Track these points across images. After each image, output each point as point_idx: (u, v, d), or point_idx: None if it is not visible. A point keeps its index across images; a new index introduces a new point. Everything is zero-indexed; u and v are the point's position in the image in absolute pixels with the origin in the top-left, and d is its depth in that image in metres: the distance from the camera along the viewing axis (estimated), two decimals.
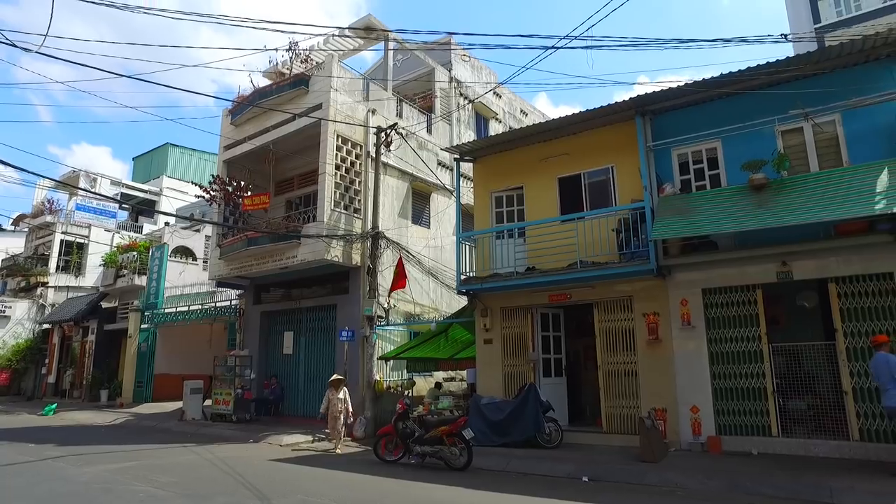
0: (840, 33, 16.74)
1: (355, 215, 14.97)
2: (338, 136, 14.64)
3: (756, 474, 7.81)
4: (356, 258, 14.62)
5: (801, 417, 9.38)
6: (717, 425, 9.63)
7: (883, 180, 8.02)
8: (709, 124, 10.03)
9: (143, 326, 21.91)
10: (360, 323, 13.86)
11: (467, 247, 12.45)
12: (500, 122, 20.53)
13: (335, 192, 14.45)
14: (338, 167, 14.62)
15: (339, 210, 14.46)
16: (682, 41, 8.07)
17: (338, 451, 11.05)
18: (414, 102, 18.05)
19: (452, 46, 18.40)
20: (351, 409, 11.44)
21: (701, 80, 9.66)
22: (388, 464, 9.65)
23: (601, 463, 8.95)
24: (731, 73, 9.43)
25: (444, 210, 17.36)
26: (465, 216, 14.14)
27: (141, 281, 22.80)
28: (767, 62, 9.19)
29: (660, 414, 10.01)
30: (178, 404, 17.31)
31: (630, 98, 10.32)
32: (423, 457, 9.40)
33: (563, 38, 8.27)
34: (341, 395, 11.30)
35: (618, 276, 10.33)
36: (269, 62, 17.77)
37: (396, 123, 15.13)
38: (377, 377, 13.59)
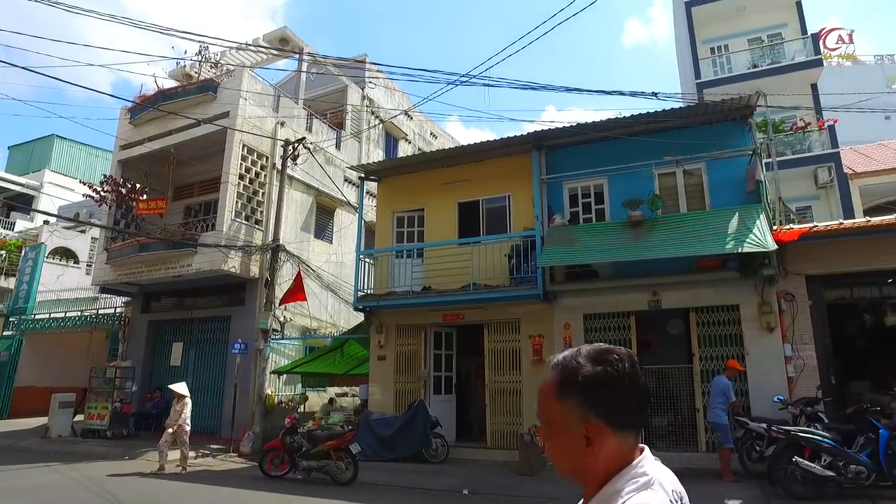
0: (718, 90, 18.83)
1: (256, 226, 14.74)
2: (244, 146, 14.43)
3: None
4: (254, 270, 14.37)
5: (663, 433, 10.34)
6: None
7: (734, 224, 9.17)
8: (597, 162, 10.95)
9: (5, 333, 19.94)
10: (255, 336, 13.60)
11: (367, 264, 12.65)
12: (410, 142, 21.01)
13: (237, 201, 14.19)
14: (241, 177, 14.38)
15: (239, 220, 14.19)
16: (569, 89, 8.90)
17: (159, 468, 10.11)
18: (325, 118, 18.11)
19: (367, 65, 18.72)
20: (185, 427, 10.25)
21: (590, 122, 10.58)
22: (274, 479, 9.55)
23: (482, 476, 9.39)
24: (616, 118, 10.43)
25: (347, 226, 17.45)
26: (369, 233, 14.35)
27: (9, 283, 20.86)
28: (648, 112, 10.28)
29: (539, 431, 10.62)
30: (43, 420, 15.77)
31: (527, 133, 11.07)
32: (310, 471, 9.39)
33: (463, 77, 8.85)
34: (178, 408, 10.35)
35: (508, 300, 10.93)
36: (177, 64, 17.23)
37: (304, 138, 15.14)
38: (269, 391, 13.35)
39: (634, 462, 1.16)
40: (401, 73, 16.72)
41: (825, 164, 17.49)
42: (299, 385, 15.17)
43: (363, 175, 13.00)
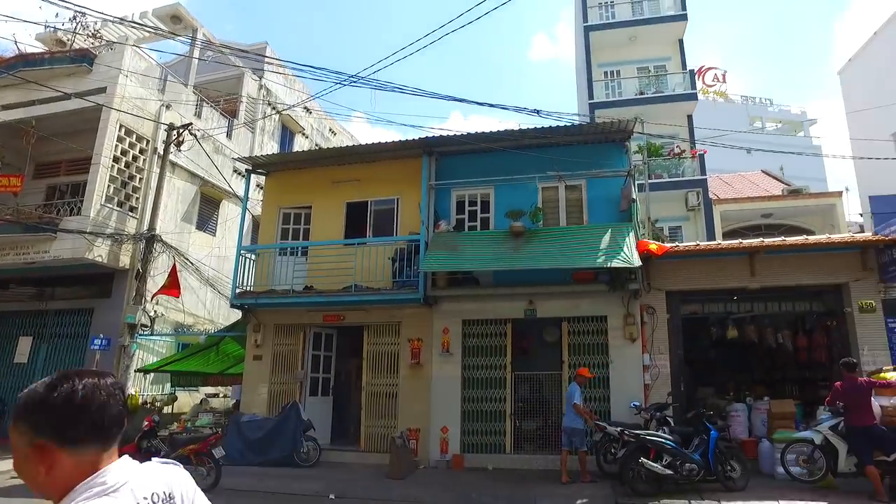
0: (608, 112, 19.98)
1: (130, 214, 13.71)
2: (121, 127, 13.38)
3: (483, 487, 8.76)
4: (125, 260, 13.35)
5: (532, 436, 10.76)
6: (462, 444, 10.58)
7: (606, 240, 9.75)
8: (485, 172, 11.24)
9: None
10: (120, 330, 12.63)
11: (249, 260, 12.15)
12: (307, 137, 20.49)
13: (109, 185, 13.12)
14: (117, 160, 13.33)
15: (111, 206, 13.13)
16: (454, 99, 9.21)
17: None
18: (217, 105, 17.23)
19: (267, 55, 18.06)
20: None
21: (480, 132, 10.84)
22: None
23: (352, 480, 9.29)
24: (504, 130, 10.76)
25: (233, 219, 16.65)
26: (257, 228, 13.79)
27: None
28: (535, 128, 10.70)
29: (413, 434, 10.67)
30: None
31: (419, 138, 11.14)
32: None
33: (350, 77, 8.77)
34: None
35: (389, 303, 10.93)
36: (46, 28, 15.66)
37: (191, 123, 14.31)
38: (132, 391, 12.45)
39: (96, 473, 1.25)
40: (291, 67, 16.09)
41: (695, 189, 19.02)
42: (168, 385, 14.26)
43: (250, 167, 12.48)
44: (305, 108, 20.00)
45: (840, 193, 19.31)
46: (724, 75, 45.11)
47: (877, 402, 8.01)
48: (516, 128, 10.94)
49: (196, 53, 16.32)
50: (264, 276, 12.00)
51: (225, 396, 13.89)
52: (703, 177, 19.20)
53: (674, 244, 10.91)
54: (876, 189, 17.37)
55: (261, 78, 18.24)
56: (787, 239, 10.38)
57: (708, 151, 20.26)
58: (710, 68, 44.44)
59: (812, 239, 10.42)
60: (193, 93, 16.09)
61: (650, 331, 10.31)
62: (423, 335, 11.01)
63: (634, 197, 10.18)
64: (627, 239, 9.55)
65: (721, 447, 8.24)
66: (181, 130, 13.97)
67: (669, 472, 7.91)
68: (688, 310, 10.93)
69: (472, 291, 10.80)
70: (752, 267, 10.28)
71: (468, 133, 10.85)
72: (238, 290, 11.64)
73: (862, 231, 13.62)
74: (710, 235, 18.13)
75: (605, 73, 22.09)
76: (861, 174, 19.29)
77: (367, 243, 11.44)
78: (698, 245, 10.59)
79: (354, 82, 8.87)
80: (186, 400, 14.39)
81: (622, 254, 9.17)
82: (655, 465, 7.90)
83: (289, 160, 12.28)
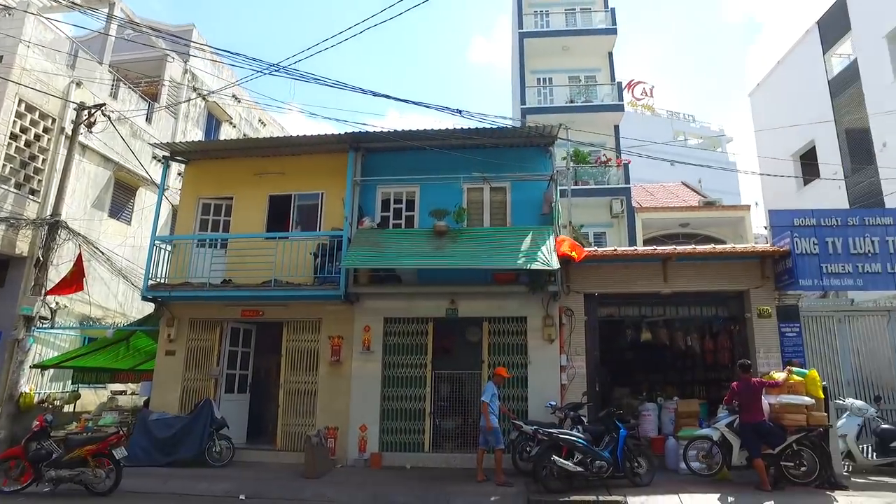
0: (539, 118, 20.32)
1: (31, 197, 12.77)
2: (21, 101, 12.43)
3: (398, 485, 8.71)
4: (22, 247, 12.41)
5: (451, 435, 10.80)
6: (381, 443, 10.50)
7: (527, 242, 9.92)
8: (412, 170, 11.20)
9: None
10: (14, 323, 11.71)
11: (164, 251, 11.57)
12: (235, 126, 19.79)
13: (5, 164, 12.15)
14: (15, 137, 12.37)
15: (7, 187, 12.17)
16: (375, 94, 8.95)
17: None
18: (137, 86, 16.32)
19: (193, 40, 17.28)
20: None
21: (407, 130, 10.78)
22: (7, 495, 8.16)
23: (264, 480, 9.02)
24: (431, 130, 10.74)
25: (151, 207, 15.84)
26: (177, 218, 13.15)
27: None
28: (462, 128, 10.74)
29: (332, 432, 10.51)
30: None
31: (345, 133, 10.94)
32: (58, 482, 8.19)
33: (270, 66, 8.52)
34: None
35: (310, 298, 10.70)
36: None
37: (105, 104, 13.49)
38: (27, 389, 11.58)
39: None
40: (211, 50, 15.39)
41: (619, 197, 19.73)
42: (70, 381, 13.36)
43: (168, 155, 11.87)
44: (234, 96, 19.29)
45: (749, 207, 20.59)
46: (651, 90, 47.30)
47: (766, 401, 8.58)
48: (450, 127, 10.96)
49: (113, 30, 15.39)
50: (181, 268, 11.44)
51: (134, 394, 13.17)
52: (627, 185, 19.97)
53: (593, 249, 11.26)
54: (779, 204, 18.65)
55: (186, 62, 17.44)
56: (696, 247, 10.95)
57: (632, 161, 21.16)
58: (639, 82, 46.49)
59: (718, 248, 11.04)
60: (109, 71, 15.18)
61: (568, 332, 10.58)
62: (344, 332, 10.84)
63: (556, 201, 10.41)
64: (547, 242, 9.76)
65: (630, 445, 8.57)
66: (93, 111, 13.15)
67: (580, 469, 8.14)
68: (605, 312, 11.31)
69: (394, 290, 10.73)
70: (665, 273, 10.76)
71: (395, 130, 10.76)
72: (151, 282, 11.05)
73: (767, 242, 14.63)
74: (632, 241, 18.88)
75: (539, 79, 22.58)
76: (767, 190, 20.62)
77: (290, 238, 11.15)
78: (616, 250, 10.99)
79: (276, 71, 8.60)
80: (91, 398, 13.56)
81: (541, 256, 9.36)
82: (567, 462, 8.10)
83: (210, 149, 11.77)
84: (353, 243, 10.37)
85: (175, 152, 11.90)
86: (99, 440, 8.42)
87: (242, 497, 8.20)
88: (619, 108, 20.91)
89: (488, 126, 10.49)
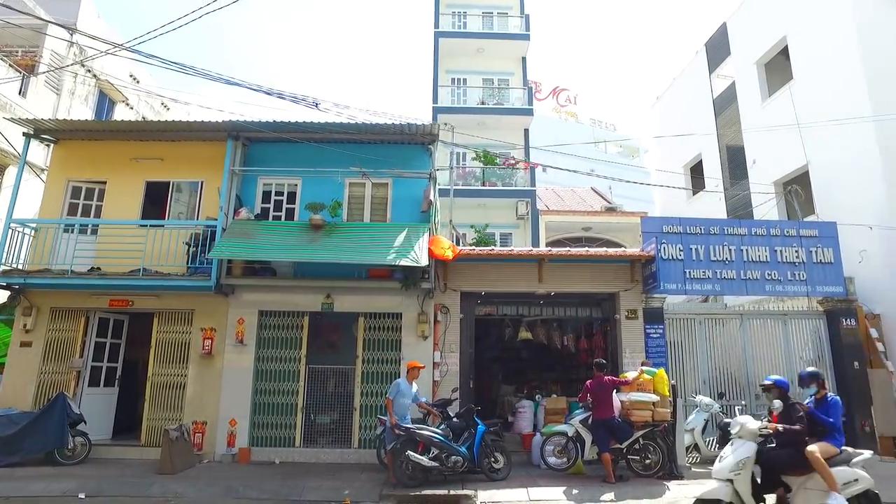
0: (451, 117, 20.55)
1: None
2: None
3: (256, 480, 8.59)
4: None
5: (324, 430, 10.74)
6: (252, 437, 10.33)
7: (401, 238, 10.01)
8: (294, 162, 11.03)
9: None
10: None
11: (25, 235, 10.86)
12: (132, 108, 18.83)
13: None
14: None
15: None
16: (229, 82, 8.77)
17: None
18: (9, 56, 15.19)
19: (84, 11, 16.31)
20: None
21: (289, 121, 10.61)
22: None
23: (114, 477, 8.65)
24: (312, 122, 10.62)
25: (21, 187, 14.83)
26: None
27: None
28: (342, 122, 10.69)
29: (200, 427, 10.24)
30: None
31: (224, 121, 10.65)
32: None
33: (116, 46, 8.19)
34: None
35: (180, 289, 10.37)
36: None
37: None
38: None
39: None
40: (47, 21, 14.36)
41: (524, 199, 20.20)
42: None
43: (31, 132, 11.13)
44: (132, 76, 18.36)
45: (646, 213, 21.62)
46: (575, 97, 48.83)
47: (617, 398, 9.06)
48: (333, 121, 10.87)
49: None
50: (44, 253, 10.77)
51: None
52: (533, 188, 20.47)
53: (470, 248, 11.50)
54: (672, 211, 19.70)
55: (72, 34, 16.39)
56: (570, 250, 11.42)
57: (553, 165, 21.74)
58: (563, 89, 47.88)
59: (592, 251, 11.53)
60: None
61: (443, 329, 10.77)
62: (218, 325, 10.58)
63: (432, 199, 10.56)
64: (421, 239, 9.89)
65: (487, 441, 8.79)
66: None
67: (435, 464, 8.29)
68: (483, 311, 11.59)
69: (269, 282, 10.57)
70: (541, 274, 11.14)
71: (276, 121, 10.57)
72: (4, 268, 10.35)
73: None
74: (535, 243, 19.41)
75: (453, 79, 22.77)
76: (663, 198, 21.73)
77: (166, 226, 10.75)
78: (493, 250, 11.29)
79: (116, 52, 8.23)
80: None
81: (412, 253, 9.48)
82: (422, 457, 8.23)
83: (80, 128, 11.10)
84: (225, 234, 10.13)
85: (39, 129, 11.15)
86: None
87: (82, 496, 7.83)
88: (529, 112, 21.39)
89: (367, 122, 10.50)
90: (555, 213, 21.21)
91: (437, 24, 22.47)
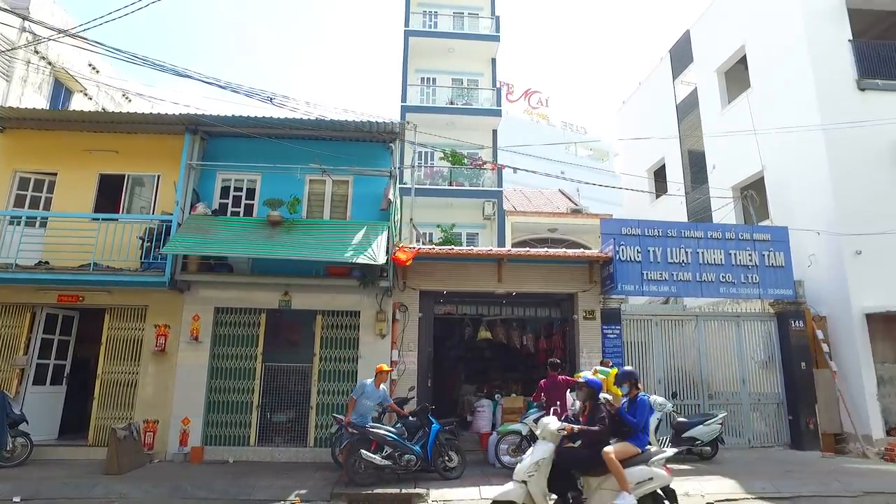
0: (419, 117, 20.56)
1: None
2: None
3: (206, 479, 8.43)
4: None
5: (280, 429, 10.61)
6: (205, 436, 10.16)
7: (359, 236, 9.96)
8: (254, 158, 10.90)
9: None
10: None
11: None
12: (91, 99, 18.30)
13: None
14: None
15: None
16: (178, 72, 8.60)
17: None
18: None
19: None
20: None
21: (248, 116, 10.47)
22: None
23: (56, 479, 8.38)
24: (272, 118, 10.50)
25: None
26: None
27: None
28: (302, 118, 10.56)
29: (151, 426, 10.04)
30: None
31: (181, 114, 10.45)
32: None
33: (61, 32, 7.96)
34: None
35: (133, 285, 10.13)
36: None
37: None
38: None
39: None
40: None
41: (491, 200, 20.29)
42: None
43: None
44: (90, 65, 17.85)
45: (611, 216, 21.92)
46: (547, 100, 49.29)
47: (570, 397, 9.16)
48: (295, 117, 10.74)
49: None
50: None
51: None
52: (500, 189, 20.57)
53: (430, 247, 11.51)
54: (636, 214, 20.04)
55: (24, 20, 15.87)
56: (530, 250, 11.48)
57: (506, 166, 21.81)
58: (535, 92, 48.28)
59: (551, 252, 11.64)
60: None
61: (402, 328, 10.75)
62: (172, 321, 10.38)
63: (392, 197, 10.53)
64: (379, 237, 9.86)
65: (441, 440, 8.78)
66: None
67: (388, 462, 8.27)
68: (443, 310, 11.60)
69: (225, 279, 10.41)
70: (500, 273, 11.20)
71: (234, 115, 10.41)
72: None
73: None
74: (502, 243, 19.51)
75: (423, 78, 22.76)
76: (628, 201, 22.08)
77: (120, 220, 10.49)
78: (452, 249, 11.29)
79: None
80: None
81: (369, 251, 9.44)
82: (374, 456, 8.20)
83: (28, 117, 10.72)
84: (181, 229, 9.94)
85: None
86: None
87: (17, 499, 7.55)
88: (498, 112, 21.49)
89: (327, 119, 10.41)
90: (521, 213, 21.37)
91: (407, 23, 22.42)
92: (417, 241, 12.80)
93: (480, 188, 20.69)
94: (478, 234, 20.88)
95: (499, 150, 21.75)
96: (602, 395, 9.11)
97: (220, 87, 8.75)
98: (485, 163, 21.34)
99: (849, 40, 12.85)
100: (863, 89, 12.57)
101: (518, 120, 44.74)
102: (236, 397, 10.34)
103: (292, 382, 10.63)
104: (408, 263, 10.05)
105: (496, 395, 11.74)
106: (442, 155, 20.63)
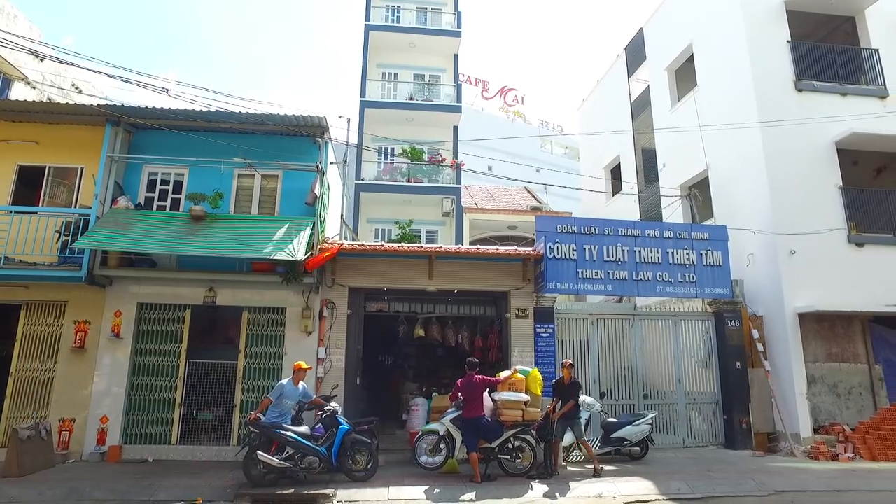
0: (379, 112, 20.48)
1: None
2: None
3: (107, 480, 8.22)
4: None
5: (205, 427, 10.42)
6: (125, 434, 9.96)
7: (281, 232, 9.79)
8: (182, 151, 10.62)
9: None
10: None
11: None
12: (35, 88, 17.87)
13: None
14: None
15: None
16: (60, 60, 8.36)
17: None
18: None
19: None
20: None
21: (173, 109, 10.23)
22: None
23: None
24: (197, 111, 10.28)
25: None
26: None
27: None
28: (227, 112, 10.37)
29: (67, 424, 9.81)
30: None
31: (103, 105, 10.22)
32: None
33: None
34: None
35: (46, 279, 9.87)
36: None
37: None
38: None
39: None
40: None
41: (450, 196, 20.15)
42: None
43: None
44: (33, 53, 17.43)
45: (570, 213, 21.90)
46: (523, 98, 49.14)
47: (489, 397, 9.07)
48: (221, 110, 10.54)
49: None
50: None
51: None
52: (458, 185, 20.46)
53: (360, 243, 11.37)
54: (593, 212, 20.05)
55: None
56: (461, 247, 11.41)
57: (498, 163, 21.79)
58: (511, 89, 48.09)
59: (482, 249, 11.55)
60: None
61: (329, 325, 10.60)
62: (93, 318, 10.15)
63: (318, 193, 10.36)
64: (301, 233, 9.69)
65: (348, 441, 8.54)
66: None
67: (287, 464, 8.08)
68: (374, 307, 11.46)
69: (148, 274, 10.19)
70: (431, 271, 11.09)
71: (157, 108, 10.17)
72: None
73: None
74: (459, 240, 19.41)
75: (384, 73, 22.55)
76: (586, 199, 22.05)
77: (39, 213, 10.20)
78: (382, 245, 11.16)
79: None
80: None
81: (289, 247, 9.28)
82: (272, 457, 7.99)
83: None
84: (98, 223, 9.70)
85: None
86: None
87: None
88: (458, 108, 21.33)
89: (252, 112, 10.22)
90: (480, 210, 21.28)
91: (367, 17, 22.19)
92: (346, 238, 12.64)
93: (439, 185, 20.55)
94: (437, 231, 20.74)
95: (460, 143, 21.63)
96: (513, 396, 9.10)
97: (108, 76, 8.51)
98: (443, 159, 21.22)
99: (787, 41, 12.87)
100: (800, 90, 12.61)
101: (494, 117, 44.58)
102: (159, 395, 10.14)
103: (217, 380, 10.43)
104: (316, 260, 9.85)
105: (433, 394, 11.64)
106: (401, 151, 20.50)
